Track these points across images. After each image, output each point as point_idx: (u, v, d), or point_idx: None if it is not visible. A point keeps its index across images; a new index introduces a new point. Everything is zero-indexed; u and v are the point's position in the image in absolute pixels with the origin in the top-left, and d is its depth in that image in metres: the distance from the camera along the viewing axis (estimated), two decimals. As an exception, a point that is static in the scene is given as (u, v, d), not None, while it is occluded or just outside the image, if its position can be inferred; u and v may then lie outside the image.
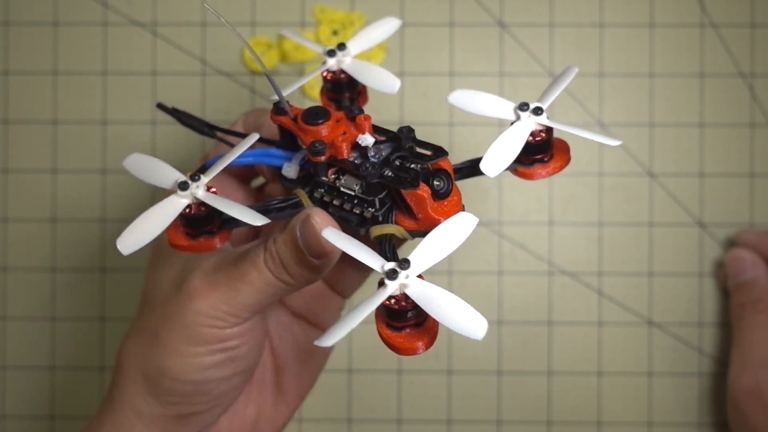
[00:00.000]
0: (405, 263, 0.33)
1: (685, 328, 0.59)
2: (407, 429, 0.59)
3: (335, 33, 0.59)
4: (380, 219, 0.38)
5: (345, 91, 0.44)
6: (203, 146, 0.59)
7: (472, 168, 0.40)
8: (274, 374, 0.47)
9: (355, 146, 0.38)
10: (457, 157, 0.59)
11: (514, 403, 0.59)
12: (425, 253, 0.34)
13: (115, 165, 0.59)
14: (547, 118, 0.38)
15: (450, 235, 0.34)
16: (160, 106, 0.45)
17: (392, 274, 0.33)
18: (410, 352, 0.35)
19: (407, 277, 0.33)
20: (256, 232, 0.48)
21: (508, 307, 0.59)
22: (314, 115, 0.39)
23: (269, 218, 0.39)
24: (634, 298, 0.59)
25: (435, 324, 0.35)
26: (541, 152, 0.39)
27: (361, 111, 0.39)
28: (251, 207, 0.38)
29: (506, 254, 0.59)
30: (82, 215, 0.59)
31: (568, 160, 0.40)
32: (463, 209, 0.38)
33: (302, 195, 0.40)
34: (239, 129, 0.46)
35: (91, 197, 0.59)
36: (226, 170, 0.46)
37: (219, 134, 0.44)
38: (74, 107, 0.59)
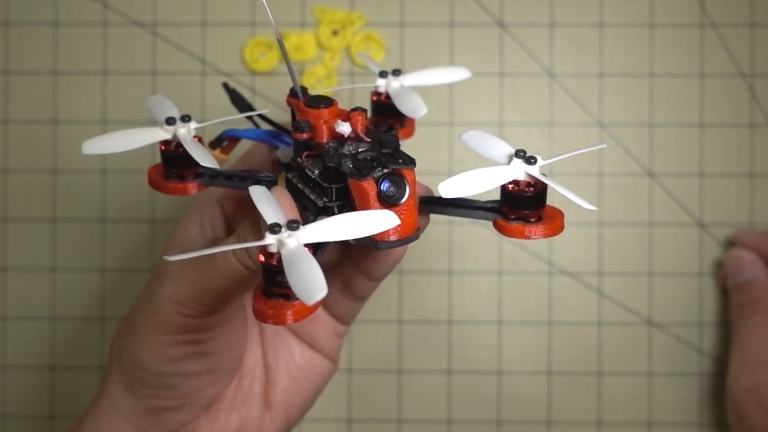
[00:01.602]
0: (294, 224, 0.33)
1: (685, 328, 0.59)
2: (407, 429, 0.59)
3: (335, 33, 0.59)
4: (334, 211, 0.38)
5: (389, 118, 0.44)
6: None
7: (440, 200, 0.38)
8: (264, 387, 0.47)
9: (338, 138, 0.38)
10: (458, 157, 0.59)
11: (514, 403, 0.59)
12: (325, 226, 0.33)
13: (115, 165, 0.59)
14: (543, 174, 0.36)
15: (361, 223, 0.33)
16: (225, 86, 0.46)
17: (275, 228, 0.32)
18: (274, 319, 0.33)
19: (289, 236, 0.32)
20: None
21: (508, 307, 0.59)
22: (317, 100, 0.39)
23: (245, 186, 0.39)
24: (634, 298, 0.59)
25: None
26: (528, 209, 0.37)
27: (363, 109, 0.39)
28: (236, 170, 0.40)
29: (506, 254, 0.59)
30: (83, 215, 0.59)
31: (556, 230, 0.37)
32: (418, 231, 0.37)
33: (281, 177, 0.41)
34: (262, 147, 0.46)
35: (91, 197, 0.59)
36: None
37: (251, 115, 0.45)
38: (74, 107, 0.59)
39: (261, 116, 0.45)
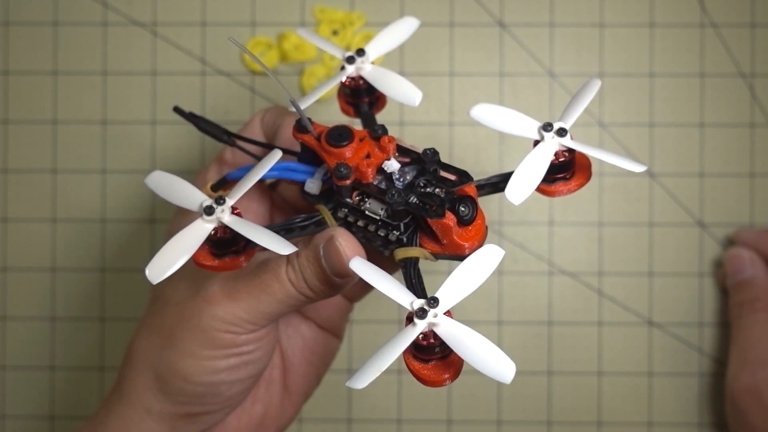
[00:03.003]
0: (433, 301, 0.34)
1: (685, 328, 0.59)
2: (407, 429, 0.59)
3: (335, 33, 0.59)
4: (404, 241, 0.39)
5: (364, 97, 0.44)
6: (203, 146, 0.59)
7: (495, 185, 0.40)
8: (282, 373, 0.48)
9: (380, 170, 0.39)
10: (457, 157, 0.59)
11: (514, 403, 0.59)
12: (453, 288, 0.34)
13: (115, 165, 0.59)
14: (571, 138, 0.38)
15: (476, 268, 0.35)
16: (177, 110, 0.45)
17: (421, 313, 0.34)
18: (437, 383, 0.35)
19: (436, 315, 0.34)
20: None
21: (508, 307, 0.59)
22: (338, 137, 0.39)
23: (292, 236, 0.39)
24: (634, 298, 0.59)
25: (460, 357, 0.35)
26: (566, 171, 0.39)
27: (386, 131, 0.39)
28: (274, 226, 0.38)
29: (506, 254, 0.59)
30: (82, 215, 0.59)
31: (589, 177, 0.39)
32: (486, 230, 0.39)
33: (325, 212, 0.40)
34: (256, 127, 0.46)
35: (91, 197, 0.59)
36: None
37: (239, 143, 0.44)
38: (74, 107, 0.59)
39: (241, 137, 0.44)
